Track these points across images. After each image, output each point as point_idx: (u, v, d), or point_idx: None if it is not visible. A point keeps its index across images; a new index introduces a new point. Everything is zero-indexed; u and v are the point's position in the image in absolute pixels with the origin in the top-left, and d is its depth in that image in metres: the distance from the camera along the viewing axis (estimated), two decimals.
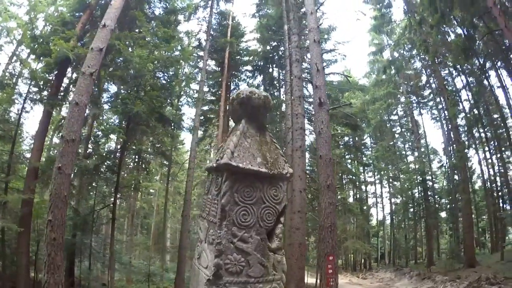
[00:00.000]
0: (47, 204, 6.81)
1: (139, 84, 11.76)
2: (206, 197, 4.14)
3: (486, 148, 23.94)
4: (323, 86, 9.20)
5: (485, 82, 20.84)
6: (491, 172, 23.94)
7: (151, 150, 15.06)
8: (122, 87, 11.86)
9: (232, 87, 23.35)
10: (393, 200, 32.49)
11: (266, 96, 4.27)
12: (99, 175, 11.92)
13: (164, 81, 14.23)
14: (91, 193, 13.46)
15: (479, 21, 15.10)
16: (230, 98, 4.56)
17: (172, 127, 15.90)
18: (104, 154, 11.62)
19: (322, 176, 8.55)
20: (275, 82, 25.28)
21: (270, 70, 25.16)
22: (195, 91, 19.76)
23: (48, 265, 6.46)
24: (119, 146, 13.61)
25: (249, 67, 24.73)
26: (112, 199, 13.23)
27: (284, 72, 19.33)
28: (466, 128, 22.91)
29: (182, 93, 17.92)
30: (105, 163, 12.21)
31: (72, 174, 8.18)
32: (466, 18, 14.79)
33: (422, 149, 28.26)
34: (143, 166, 12.84)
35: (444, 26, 17.17)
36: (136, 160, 12.75)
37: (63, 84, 12.59)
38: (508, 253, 17.01)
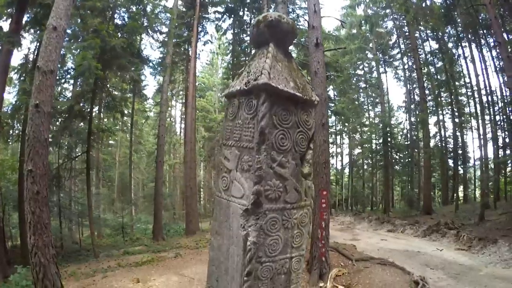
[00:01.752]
0: (26, 151, 5.71)
1: (111, 17, 10.35)
2: (232, 124, 3.77)
3: (445, 111, 25.65)
4: (319, 27, 9.11)
5: (455, 50, 21.81)
6: (446, 134, 25.97)
7: (122, 92, 13.79)
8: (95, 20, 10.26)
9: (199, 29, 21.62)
10: (352, 151, 34.24)
11: (293, 22, 4.08)
12: (72, 119, 10.58)
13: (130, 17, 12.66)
14: (62, 141, 12.02)
15: None
16: (254, 21, 4.18)
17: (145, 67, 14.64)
18: (78, 94, 10.20)
19: (318, 115, 8.51)
20: (246, 27, 23.75)
21: (241, 13, 23.48)
22: (163, 28, 17.81)
23: (34, 225, 5.49)
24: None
25: (219, 8, 22.89)
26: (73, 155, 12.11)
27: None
28: (430, 90, 24.12)
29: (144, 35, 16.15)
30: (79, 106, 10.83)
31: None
32: None
33: (385, 105, 29.45)
34: (117, 109, 11.69)
35: None
36: (108, 101, 11.53)
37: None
38: (461, 206, 18.91)
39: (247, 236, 3.25)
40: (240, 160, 3.45)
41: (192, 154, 17.32)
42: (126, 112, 14.64)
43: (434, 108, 25.06)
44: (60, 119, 10.38)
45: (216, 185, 3.82)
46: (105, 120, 18.62)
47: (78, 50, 9.59)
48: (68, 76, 11.53)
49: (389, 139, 23.97)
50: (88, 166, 11.37)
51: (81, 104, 10.44)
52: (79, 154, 12.40)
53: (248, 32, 23.45)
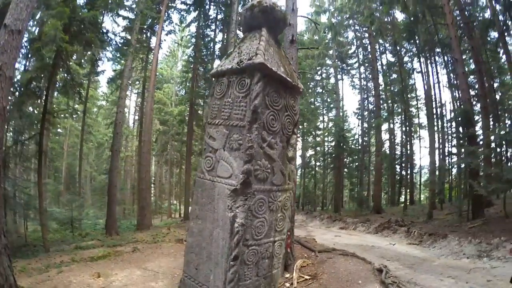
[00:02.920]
0: None
1: None
2: (220, 102, 3.65)
3: (396, 121, 27.63)
4: (295, 25, 9.32)
5: (410, 64, 23.66)
6: (396, 141, 27.95)
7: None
8: None
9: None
10: (306, 152, 35.27)
11: (285, 12, 4.22)
12: (28, 95, 9.30)
13: None
14: (13, 121, 10.49)
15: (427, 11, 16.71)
16: (247, 5, 4.15)
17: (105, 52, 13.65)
18: (38, 67, 8.95)
19: None
20: (210, 22, 23.29)
21: (207, 7, 23.02)
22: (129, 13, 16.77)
23: None
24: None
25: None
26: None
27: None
28: (384, 100, 25.80)
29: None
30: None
31: None
32: (416, 5, 16.22)
33: (340, 110, 30.80)
34: (75, 89, 10.55)
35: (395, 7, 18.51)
36: (67, 80, 10.36)
37: None
38: (408, 207, 20.20)
39: (235, 217, 3.14)
40: (229, 139, 3.35)
41: (149, 146, 16.55)
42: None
43: (386, 115, 26.73)
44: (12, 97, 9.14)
45: (199, 166, 3.66)
46: (58, 104, 17.01)
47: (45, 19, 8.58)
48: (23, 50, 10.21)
49: (341, 143, 25.05)
50: (41, 150, 10.17)
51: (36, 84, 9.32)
52: (32, 134, 10.93)
53: (212, 28, 23.06)
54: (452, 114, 21.47)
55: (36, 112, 11.19)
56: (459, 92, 16.82)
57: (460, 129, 13.14)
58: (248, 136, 3.19)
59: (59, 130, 28.17)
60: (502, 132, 12.56)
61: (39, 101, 10.87)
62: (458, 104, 18.40)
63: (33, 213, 12.91)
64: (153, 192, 31.58)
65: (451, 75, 20.30)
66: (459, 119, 12.92)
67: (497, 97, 17.59)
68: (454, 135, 19.25)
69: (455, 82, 20.75)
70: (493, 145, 13.15)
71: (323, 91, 35.27)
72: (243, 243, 3.19)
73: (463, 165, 13.27)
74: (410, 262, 8.47)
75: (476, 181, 10.92)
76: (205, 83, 21.49)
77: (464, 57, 16.25)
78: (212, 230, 3.31)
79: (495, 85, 18.05)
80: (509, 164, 16.15)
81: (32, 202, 11.87)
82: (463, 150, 12.48)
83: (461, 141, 13.20)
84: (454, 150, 18.46)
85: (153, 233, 13.34)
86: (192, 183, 28.02)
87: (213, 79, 3.94)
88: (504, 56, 15.62)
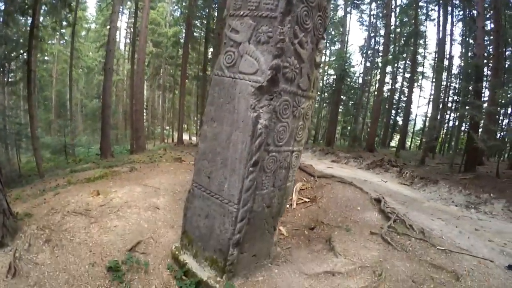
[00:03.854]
0: None
1: None
2: None
3: (400, 65, 26.71)
4: None
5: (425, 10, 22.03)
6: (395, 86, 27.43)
7: None
8: None
9: None
10: None
11: None
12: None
13: None
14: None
15: None
16: None
17: None
18: None
19: None
20: None
21: None
22: None
23: None
24: None
25: None
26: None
27: None
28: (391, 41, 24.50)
29: None
30: None
31: None
32: None
33: (345, 45, 29.45)
34: (66, 2, 9.27)
35: None
36: None
37: None
38: (400, 151, 20.43)
39: (258, 118, 2.84)
40: (256, 31, 2.89)
41: (143, 65, 15.64)
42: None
43: (392, 57, 25.73)
44: None
45: (217, 63, 3.22)
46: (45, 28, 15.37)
47: None
48: None
49: (343, 77, 24.27)
50: (30, 69, 9.28)
51: None
52: (20, 53, 9.89)
53: None
54: (458, 69, 20.94)
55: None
56: (474, 47, 16.11)
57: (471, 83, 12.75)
58: (279, 29, 2.75)
59: (46, 57, 26.59)
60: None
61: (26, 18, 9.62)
62: (467, 60, 17.71)
63: (25, 144, 12.45)
64: (145, 117, 31.25)
65: (464, 29, 19.33)
66: (470, 71, 12.48)
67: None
68: (457, 90, 18.98)
69: (467, 39, 19.83)
70: None
71: (329, 23, 33.19)
72: (264, 148, 2.95)
73: (466, 118, 13.11)
74: (401, 199, 8.75)
75: (477, 135, 10.95)
76: (204, 2, 19.73)
77: None
78: (230, 133, 3.03)
79: (507, 53, 17.29)
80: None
81: (23, 131, 11.34)
82: (466, 104, 12.31)
83: (467, 96, 12.99)
84: (451, 106, 18.32)
85: (149, 154, 13.29)
86: (185, 109, 27.59)
87: None
88: None
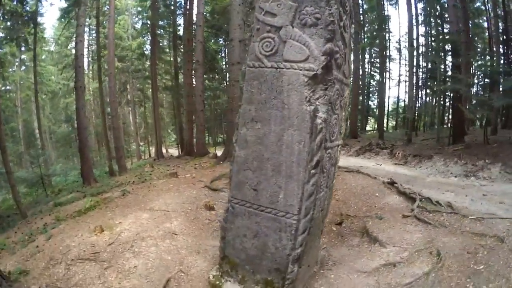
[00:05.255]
0: None
1: None
2: None
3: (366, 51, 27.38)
4: None
5: None
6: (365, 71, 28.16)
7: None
8: None
9: None
10: None
11: None
12: None
13: None
14: None
15: None
16: None
17: None
18: None
19: None
20: None
21: None
22: None
23: None
24: None
25: None
26: None
27: None
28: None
29: None
30: None
31: None
32: None
33: None
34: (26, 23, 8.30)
35: None
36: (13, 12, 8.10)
37: None
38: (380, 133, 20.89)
39: (316, 112, 2.52)
40: (299, 13, 2.55)
41: (114, 80, 14.78)
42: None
43: (368, 42, 26.29)
44: None
45: (250, 53, 2.81)
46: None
47: None
48: None
49: None
50: None
51: None
52: None
53: None
54: (424, 48, 21.80)
55: None
56: (443, 26, 16.74)
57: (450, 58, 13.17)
58: (327, 9, 2.45)
59: (8, 87, 24.87)
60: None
61: None
62: (430, 40, 18.47)
63: None
64: None
65: (428, 9, 20.13)
66: (448, 47, 12.87)
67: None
68: (425, 69, 19.69)
69: (429, 19, 20.67)
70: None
71: None
72: (324, 145, 2.63)
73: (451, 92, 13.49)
74: (404, 179, 8.75)
75: (464, 106, 11.33)
76: (166, 9, 19.05)
77: None
78: (281, 133, 2.66)
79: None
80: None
81: None
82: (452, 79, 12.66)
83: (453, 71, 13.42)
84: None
85: (135, 174, 12.43)
86: (162, 122, 26.55)
87: None
88: None
